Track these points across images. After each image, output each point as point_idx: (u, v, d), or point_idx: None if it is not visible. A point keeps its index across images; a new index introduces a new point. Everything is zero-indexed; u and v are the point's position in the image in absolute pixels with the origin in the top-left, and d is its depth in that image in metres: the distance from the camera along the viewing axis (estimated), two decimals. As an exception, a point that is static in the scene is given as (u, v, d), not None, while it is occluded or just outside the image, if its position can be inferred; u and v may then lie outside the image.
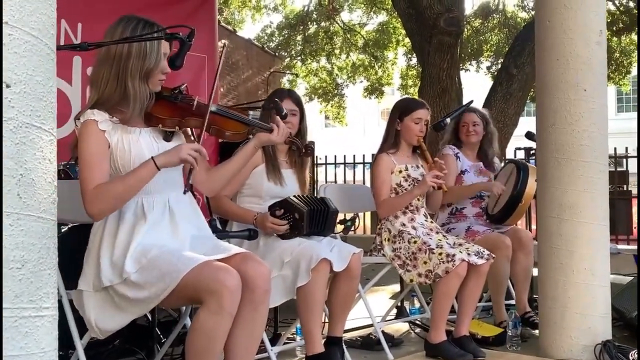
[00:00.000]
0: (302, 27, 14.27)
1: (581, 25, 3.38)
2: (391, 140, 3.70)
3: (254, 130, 2.56)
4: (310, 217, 3.02)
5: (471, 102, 4.37)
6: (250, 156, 2.61)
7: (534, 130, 3.95)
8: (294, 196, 3.06)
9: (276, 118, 2.68)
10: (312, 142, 2.92)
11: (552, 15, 3.44)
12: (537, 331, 3.75)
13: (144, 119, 2.36)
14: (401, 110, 3.70)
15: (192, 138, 2.55)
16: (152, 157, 2.24)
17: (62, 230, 3.27)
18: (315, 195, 3.64)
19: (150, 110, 2.34)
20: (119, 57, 2.25)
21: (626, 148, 9.10)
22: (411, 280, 3.51)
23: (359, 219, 3.67)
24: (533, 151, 4.53)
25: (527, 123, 6.95)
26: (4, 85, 1.34)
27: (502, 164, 4.59)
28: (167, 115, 2.36)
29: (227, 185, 2.73)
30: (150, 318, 3.18)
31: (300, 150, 2.86)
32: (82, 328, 2.36)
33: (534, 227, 4.92)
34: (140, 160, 2.28)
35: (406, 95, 12.95)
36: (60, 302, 2.39)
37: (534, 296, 4.35)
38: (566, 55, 3.39)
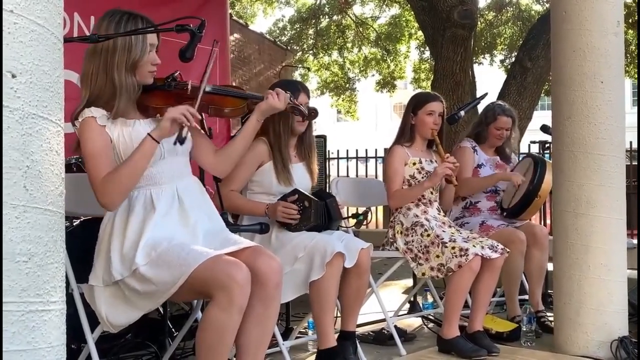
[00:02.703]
0: (314, 21, 14.23)
1: (598, 16, 3.33)
2: (407, 134, 3.70)
3: (252, 104, 2.55)
4: (321, 207, 3.03)
5: (485, 94, 4.31)
6: (254, 130, 2.56)
7: (548, 124, 3.89)
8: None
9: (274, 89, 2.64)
10: (315, 109, 2.83)
11: (569, 6, 3.38)
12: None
13: (141, 111, 2.36)
14: (414, 104, 3.70)
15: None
16: (148, 134, 2.22)
17: (74, 223, 3.26)
18: (328, 189, 3.62)
19: (146, 102, 2.35)
20: (105, 51, 2.25)
21: (642, 142, 8.99)
22: (423, 274, 3.48)
23: (371, 213, 3.63)
24: (548, 144, 4.47)
25: (541, 117, 6.87)
26: (7, 75, 1.32)
27: (519, 159, 4.53)
28: (162, 104, 2.36)
29: (236, 163, 2.66)
30: (162, 312, 3.18)
31: (304, 115, 2.78)
32: (94, 321, 2.36)
33: (548, 222, 4.88)
34: None
35: (420, 90, 12.86)
36: (72, 295, 2.40)
37: (549, 291, 4.30)
38: (582, 47, 3.33)
